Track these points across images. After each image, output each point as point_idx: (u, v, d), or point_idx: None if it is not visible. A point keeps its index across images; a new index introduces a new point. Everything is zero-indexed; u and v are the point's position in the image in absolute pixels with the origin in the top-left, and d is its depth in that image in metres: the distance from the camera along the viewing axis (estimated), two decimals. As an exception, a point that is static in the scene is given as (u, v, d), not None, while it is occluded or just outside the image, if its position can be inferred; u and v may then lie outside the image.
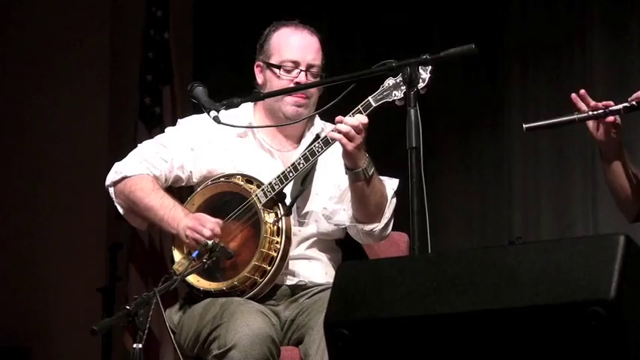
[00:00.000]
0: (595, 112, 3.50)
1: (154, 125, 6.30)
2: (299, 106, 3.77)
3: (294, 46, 3.79)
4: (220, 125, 3.64)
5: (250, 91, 3.82)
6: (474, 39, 3.27)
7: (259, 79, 3.84)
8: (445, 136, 6.31)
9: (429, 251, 3.15)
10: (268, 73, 3.80)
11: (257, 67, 3.85)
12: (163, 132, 3.95)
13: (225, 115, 3.65)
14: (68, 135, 6.56)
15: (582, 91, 3.52)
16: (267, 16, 3.97)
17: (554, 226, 6.08)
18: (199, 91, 3.64)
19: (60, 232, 6.47)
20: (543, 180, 6.16)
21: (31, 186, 6.53)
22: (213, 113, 3.57)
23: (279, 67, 3.77)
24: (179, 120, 3.95)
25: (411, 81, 3.25)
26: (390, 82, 3.54)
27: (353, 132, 3.52)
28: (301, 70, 3.77)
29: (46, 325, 6.43)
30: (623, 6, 6.02)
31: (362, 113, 3.57)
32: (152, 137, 3.99)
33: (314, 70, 3.79)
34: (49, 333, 6.42)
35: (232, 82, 3.97)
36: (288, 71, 3.77)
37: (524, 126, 3.60)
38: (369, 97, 3.58)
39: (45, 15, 6.61)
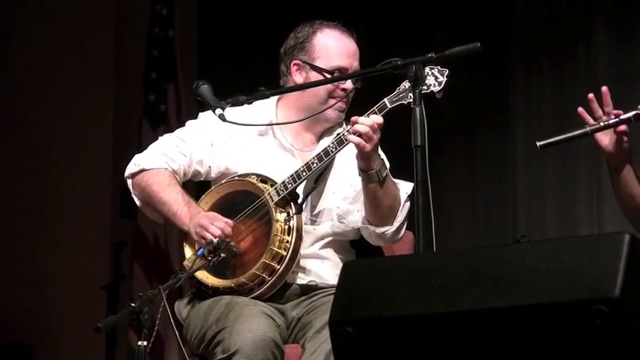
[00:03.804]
0: (606, 123, 3.47)
1: (159, 123, 6.30)
2: (342, 111, 3.80)
3: (344, 53, 3.80)
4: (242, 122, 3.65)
5: (256, 88, 3.81)
6: (478, 39, 3.27)
7: (297, 78, 3.82)
8: (450, 136, 6.31)
9: (434, 249, 3.16)
10: (313, 74, 3.79)
11: (294, 65, 3.82)
12: (168, 130, 3.96)
13: (246, 111, 3.66)
14: (72, 133, 6.56)
15: (590, 95, 3.52)
16: (272, 14, 3.97)
17: (559, 225, 6.07)
18: (204, 89, 3.64)
19: (64, 230, 6.47)
20: (548, 180, 6.16)
21: (34, 183, 6.54)
22: (218, 111, 3.58)
23: (331, 72, 3.77)
24: (200, 114, 3.93)
25: (416, 79, 3.26)
26: (406, 84, 3.55)
27: (371, 132, 3.52)
28: None
29: (49, 322, 6.43)
30: (628, 6, 6.01)
31: (377, 114, 3.58)
32: (156, 135, 4.00)
33: None
34: (53, 331, 6.42)
35: (237, 80, 3.96)
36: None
37: (537, 144, 3.57)
38: (385, 99, 3.60)
39: (50, 12, 6.61)
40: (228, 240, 3.53)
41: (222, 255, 3.49)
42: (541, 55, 6.26)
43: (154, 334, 3.17)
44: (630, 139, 3.53)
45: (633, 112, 3.47)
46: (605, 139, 3.53)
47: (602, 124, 3.48)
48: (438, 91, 3.47)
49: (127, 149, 3.98)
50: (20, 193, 6.54)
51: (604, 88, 3.51)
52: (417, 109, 3.21)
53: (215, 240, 3.50)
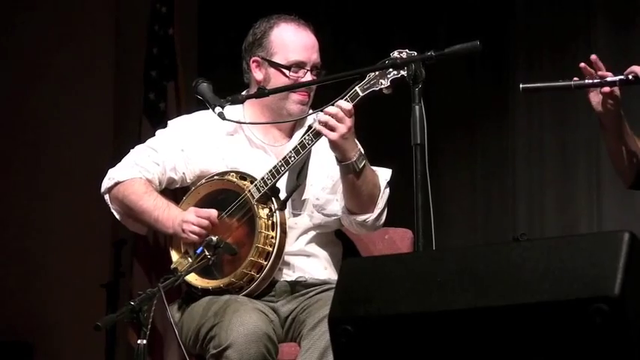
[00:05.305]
0: (591, 81, 3.55)
1: (159, 121, 6.28)
2: (304, 104, 3.78)
3: (301, 47, 3.78)
4: (210, 124, 3.67)
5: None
6: (479, 36, 3.27)
7: (257, 75, 3.82)
8: (450, 133, 6.31)
9: (434, 248, 3.15)
10: (272, 70, 3.79)
11: (254, 62, 3.82)
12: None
13: (213, 113, 3.64)
14: (73, 131, 6.56)
15: (588, 62, 3.57)
16: (272, 12, 3.96)
17: (559, 223, 6.07)
18: (204, 87, 3.64)
19: (64, 228, 6.47)
20: (547, 177, 6.16)
21: (35, 181, 6.54)
22: (218, 109, 3.58)
23: (288, 67, 3.76)
24: (169, 122, 3.95)
25: (415, 77, 3.26)
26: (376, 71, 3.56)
27: (333, 121, 3.52)
28: (307, 70, 3.77)
29: (49, 320, 6.43)
30: (628, 3, 6.01)
31: (349, 102, 3.57)
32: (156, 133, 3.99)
33: (317, 68, 3.80)
34: (53, 328, 6.42)
35: (237, 79, 3.95)
36: (296, 71, 3.77)
37: (521, 86, 3.66)
38: (356, 87, 3.59)
39: (50, 10, 6.61)
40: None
41: (221, 253, 3.49)
42: (541, 53, 6.26)
43: (148, 332, 3.16)
44: (622, 105, 3.60)
45: (618, 77, 3.55)
46: (595, 98, 3.59)
47: (587, 81, 3.57)
48: (387, 87, 3.50)
49: (127, 147, 3.96)
50: (20, 190, 6.54)
51: (593, 57, 3.58)
52: (417, 107, 3.21)
53: (214, 238, 3.49)
